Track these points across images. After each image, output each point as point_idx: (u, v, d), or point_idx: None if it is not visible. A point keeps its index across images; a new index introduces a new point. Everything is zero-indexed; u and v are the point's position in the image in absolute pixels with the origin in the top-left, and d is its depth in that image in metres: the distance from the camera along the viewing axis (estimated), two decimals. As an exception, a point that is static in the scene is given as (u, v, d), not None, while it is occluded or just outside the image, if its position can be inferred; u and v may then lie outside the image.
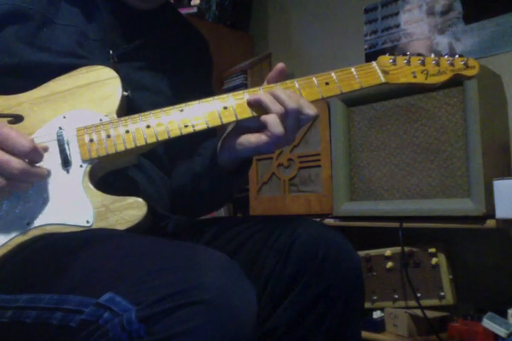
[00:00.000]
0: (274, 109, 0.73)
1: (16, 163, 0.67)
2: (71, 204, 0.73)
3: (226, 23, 2.37)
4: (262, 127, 0.75)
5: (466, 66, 0.81)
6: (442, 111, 1.34)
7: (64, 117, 0.77)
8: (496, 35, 1.59)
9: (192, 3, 2.27)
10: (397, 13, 1.87)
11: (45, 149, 0.74)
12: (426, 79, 0.80)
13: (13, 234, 0.71)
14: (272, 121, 0.72)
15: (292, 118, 0.73)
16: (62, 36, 0.83)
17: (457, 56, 0.82)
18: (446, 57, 0.82)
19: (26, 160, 0.69)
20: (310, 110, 0.74)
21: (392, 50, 1.87)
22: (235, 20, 2.42)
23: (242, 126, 0.79)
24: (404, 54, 0.82)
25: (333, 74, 0.78)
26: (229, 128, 0.82)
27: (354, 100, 1.52)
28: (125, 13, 0.90)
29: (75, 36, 0.84)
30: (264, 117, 0.73)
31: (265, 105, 0.74)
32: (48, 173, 0.73)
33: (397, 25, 1.86)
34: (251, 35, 2.48)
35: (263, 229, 0.81)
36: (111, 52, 0.86)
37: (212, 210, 1.06)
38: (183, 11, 2.19)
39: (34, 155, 0.69)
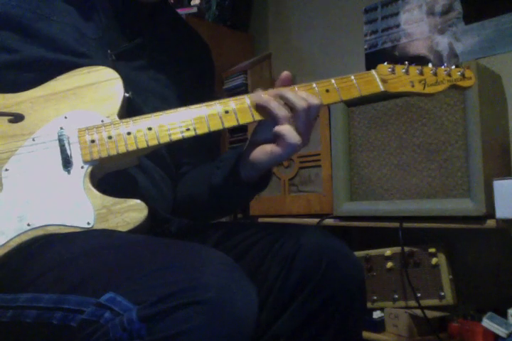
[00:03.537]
0: (280, 113, 0.72)
1: None
2: (72, 205, 0.72)
3: (226, 23, 2.37)
4: (276, 137, 0.74)
5: (463, 77, 0.82)
6: (442, 111, 1.34)
7: (65, 117, 0.76)
8: (496, 35, 1.59)
9: (192, 3, 2.27)
10: (397, 13, 1.86)
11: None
12: (424, 88, 0.80)
13: (13, 235, 0.71)
14: (288, 132, 0.72)
15: (303, 116, 0.73)
16: (59, 32, 0.82)
17: (454, 67, 0.83)
18: (443, 67, 0.82)
19: None
20: (315, 100, 0.74)
21: (392, 50, 1.87)
22: (235, 20, 2.42)
23: (257, 141, 0.78)
24: (403, 63, 0.82)
25: (333, 81, 0.78)
26: (246, 145, 0.81)
27: (354, 100, 1.51)
28: (126, 9, 0.89)
29: (72, 33, 0.83)
30: (279, 128, 0.72)
31: (271, 111, 0.73)
32: None
33: (397, 25, 1.86)
34: (251, 35, 2.48)
35: (267, 237, 0.81)
36: (109, 51, 0.85)
37: (220, 218, 1.04)
38: (183, 11, 2.19)
39: None
